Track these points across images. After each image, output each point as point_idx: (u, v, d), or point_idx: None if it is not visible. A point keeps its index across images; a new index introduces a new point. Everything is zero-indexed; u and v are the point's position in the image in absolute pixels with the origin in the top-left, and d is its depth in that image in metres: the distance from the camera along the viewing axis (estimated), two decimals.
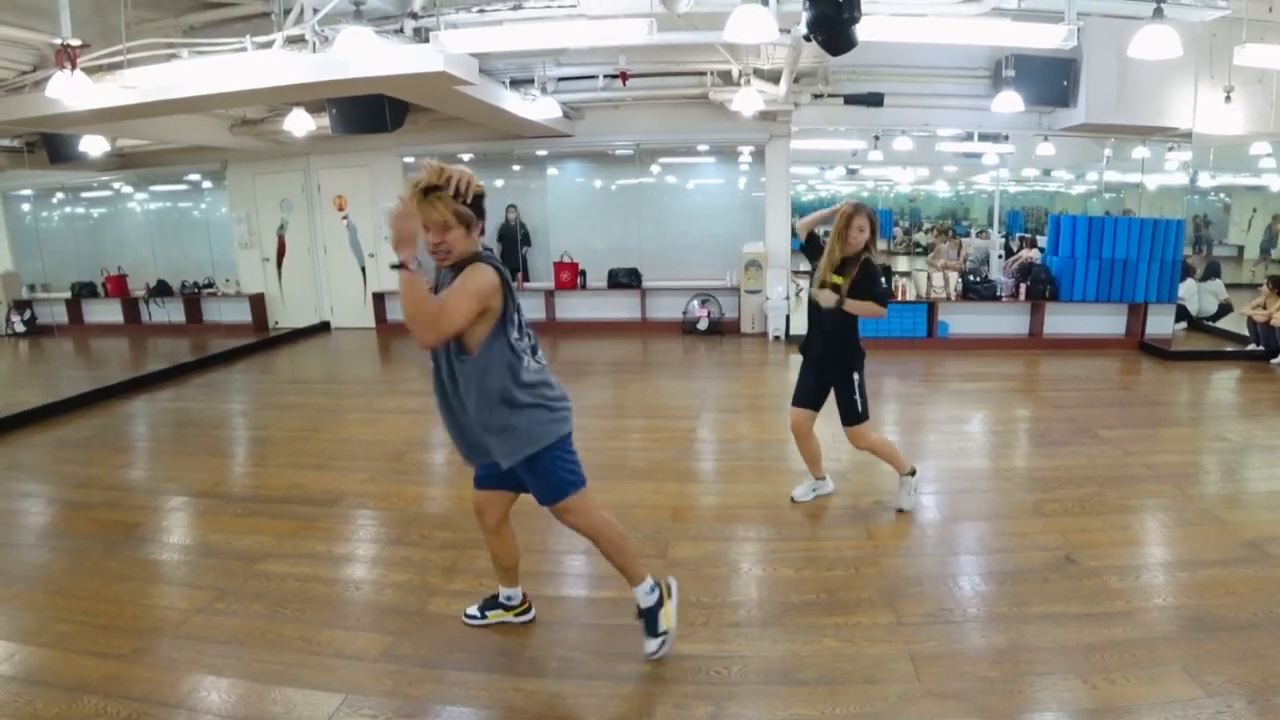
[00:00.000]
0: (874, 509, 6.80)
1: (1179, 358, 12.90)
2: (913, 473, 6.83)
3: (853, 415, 6.59)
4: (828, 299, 6.34)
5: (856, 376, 6.51)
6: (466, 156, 16.55)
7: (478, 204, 4.03)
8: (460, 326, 3.93)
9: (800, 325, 7.60)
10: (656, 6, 7.96)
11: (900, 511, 6.74)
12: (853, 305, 6.31)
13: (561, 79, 13.50)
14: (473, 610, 5.10)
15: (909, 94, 13.79)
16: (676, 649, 4.67)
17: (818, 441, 6.93)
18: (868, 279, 6.39)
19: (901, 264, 17.23)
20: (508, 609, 5.09)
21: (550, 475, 4.37)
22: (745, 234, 15.89)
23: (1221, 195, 16.60)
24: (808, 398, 6.77)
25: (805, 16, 6.97)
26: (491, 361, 4.11)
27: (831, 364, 6.61)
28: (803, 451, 6.96)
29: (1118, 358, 13.19)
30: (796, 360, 7.09)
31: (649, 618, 4.64)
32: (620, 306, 16.44)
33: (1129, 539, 6.27)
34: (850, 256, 6.40)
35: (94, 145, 13.80)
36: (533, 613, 5.14)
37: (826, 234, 6.53)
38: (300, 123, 12.25)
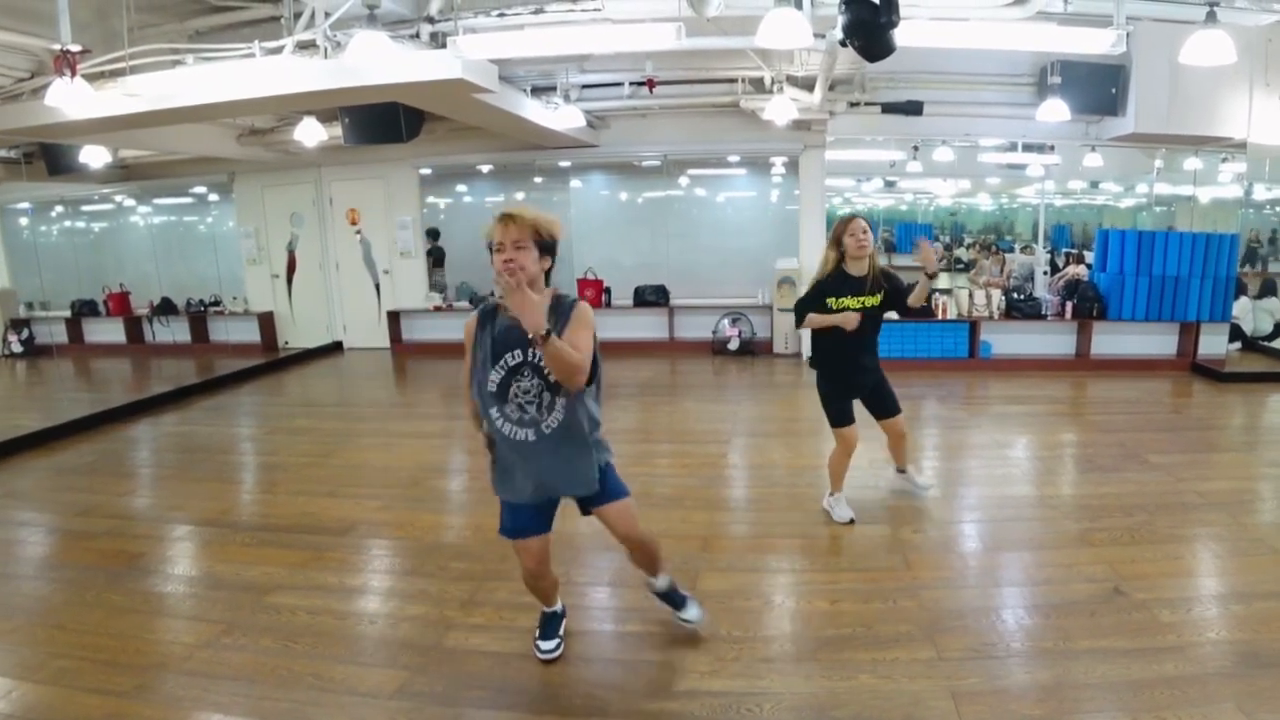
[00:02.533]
0: (913, 538, 6.77)
1: (1233, 379, 12.81)
2: (904, 470, 7.40)
3: (897, 403, 7.09)
4: (852, 321, 6.56)
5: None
6: (486, 168, 16.71)
7: (553, 245, 4.38)
8: (586, 364, 4.21)
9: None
10: (685, 10, 7.94)
11: (929, 488, 7.49)
12: (917, 297, 6.69)
13: (585, 86, 13.54)
14: (548, 645, 5.09)
15: (950, 102, 13.77)
16: (707, 685, 4.67)
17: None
18: (894, 288, 6.73)
19: (942, 281, 16.99)
20: (565, 614, 5.32)
21: (608, 478, 4.67)
22: (778, 249, 15.81)
23: (1278, 209, 16.46)
24: (852, 413, 7.00)
25: (841, 20, 6.95)
26: (596, 392, 4.58)
27: (874, 368, 6.99)
28: (845, 468, 7.16)
29: (1169, 379, 13.10)
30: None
31: (674, 596, 5.24)
32: (647, 326, 16.42)
33: (1180, 570, 6.22)
34: (861, 276, 6.62)
35: (95, 156, 13.82)
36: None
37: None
38: (311, 132, 12.30)
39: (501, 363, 4.34)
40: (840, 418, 6.98)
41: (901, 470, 7.58)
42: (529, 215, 4.26)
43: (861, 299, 6.65)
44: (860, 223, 6.60)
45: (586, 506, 4.71)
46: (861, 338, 6.74)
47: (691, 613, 5.20)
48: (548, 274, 4.43)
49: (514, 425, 4.40)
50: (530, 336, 3.99)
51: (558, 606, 5.25)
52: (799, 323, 6.94)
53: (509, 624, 5.40)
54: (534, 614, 5.28)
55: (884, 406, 7.09)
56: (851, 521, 7.04)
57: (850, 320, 6.54)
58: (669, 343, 16.26)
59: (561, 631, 5.20)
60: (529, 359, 4.31)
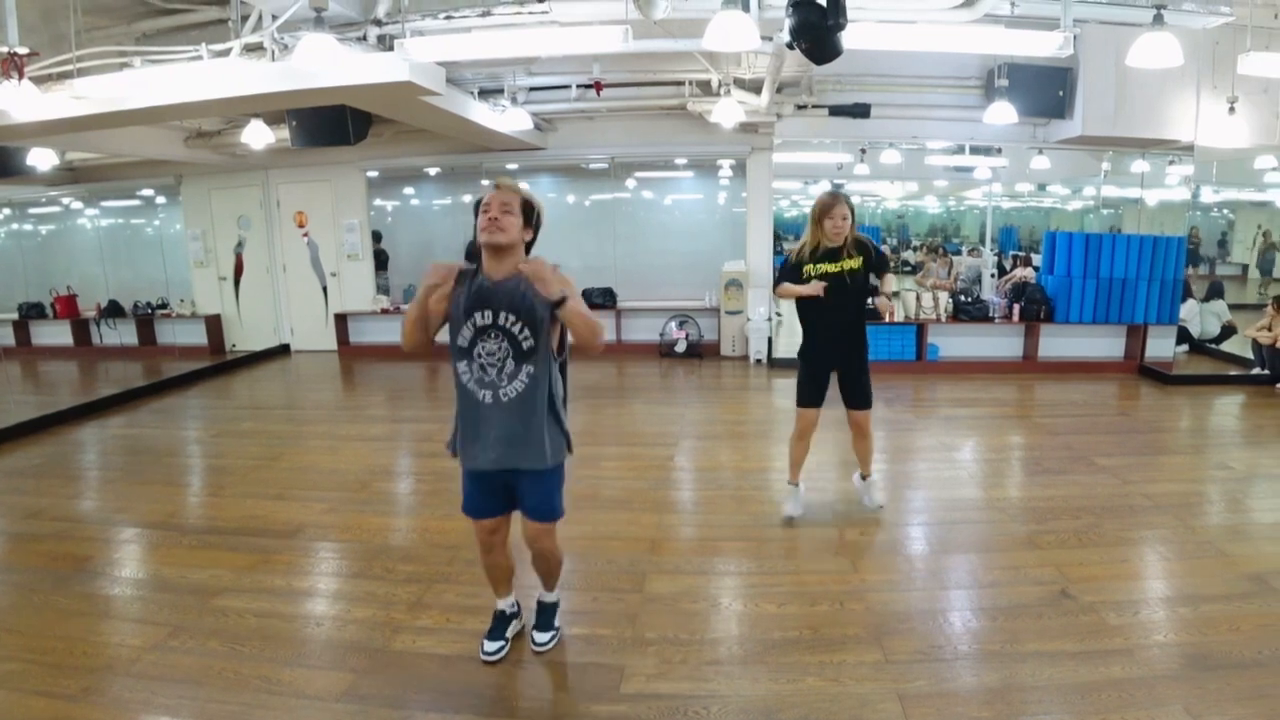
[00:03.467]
0: (860, 541, 6.81)
1: (1180, 382, 12.95)
2: (866, 477, 7.42)
3: (869, 398, 7.11)
4: (815, 289, 6.64)
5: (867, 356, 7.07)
6: (433, 171, 16.71)
7: (538, 220, 4.63)
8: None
9: (785, 349, 7.59)
10: (632, 12, 7.95)
11: (880, 508, 7.36)
12: (885, 291, 6.94)
13: (533, 89, 13.56)
14: (491, 646, 5.15)
15: (897, 105, 13.84)
16: (654, 688, 4.69)
17: None
18: (876, 255, 6.88)
19: (889, 284, 17.07)
20: (516, 616, 5.40)
21: (554, 492, 4.82)
22: (725, 252, 15.88)
23: (1225, 211, 16.61)
24: (820, 395, 7.08)
25: (788, 23, 6.98)
26: (565, 367, 4.84)
27: (855, 351, 7.03)
28: (800, 453, 7.25)
29: (1116, 382, 13.22)
30: (780, 385, 7.20)
31: (551, 613, 5.34)
32: None
33: (1128, 572, 6.28)
34: (839, 246, 6.66)
35: (42, 158, 13.74)
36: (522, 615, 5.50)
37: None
38: (258, 135, 12.25)
39: (471, 320, 4.49)
40: (803, 397, 7.08)
41: (864, 477, 7.53)
42: (521, 187, 4.54)
43: (840, 264, 6.71)
44: (842, 209, 6.63)
45: (524, 503, 4.82)
46: (844, 308, 6.82)
47: (544, 637, 5.24)
48: (528, 247, 4.61)
49: (475, 385, 4.56)
50: (550, 302, 4.30)
51: (508, 604, 5.30)
52: (774, 288, 7.08)
53: (456, 626, 5.41)
54: (482, 618, 5.34)
55: (855, 396, 7.09)
56: (790, 520, 7.13)
57: (816, 288, 6.62)
58: (616, 345, 16.21)
59: (509, 635, 5.24)
60: (498, 322, 4.46)
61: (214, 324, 17.83)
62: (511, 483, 4.76)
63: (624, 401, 12.78)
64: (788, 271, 6.89)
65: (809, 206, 6.86)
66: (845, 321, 6.89)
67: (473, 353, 4.52)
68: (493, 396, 4.53)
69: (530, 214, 4.51)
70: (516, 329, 4.46)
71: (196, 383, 14.53)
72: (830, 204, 6.63)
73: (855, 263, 6.70)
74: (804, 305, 6.93)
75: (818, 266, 6.72)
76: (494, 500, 4.83)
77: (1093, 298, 13.61)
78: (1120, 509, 7.41)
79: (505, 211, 4.39)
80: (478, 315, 4.49)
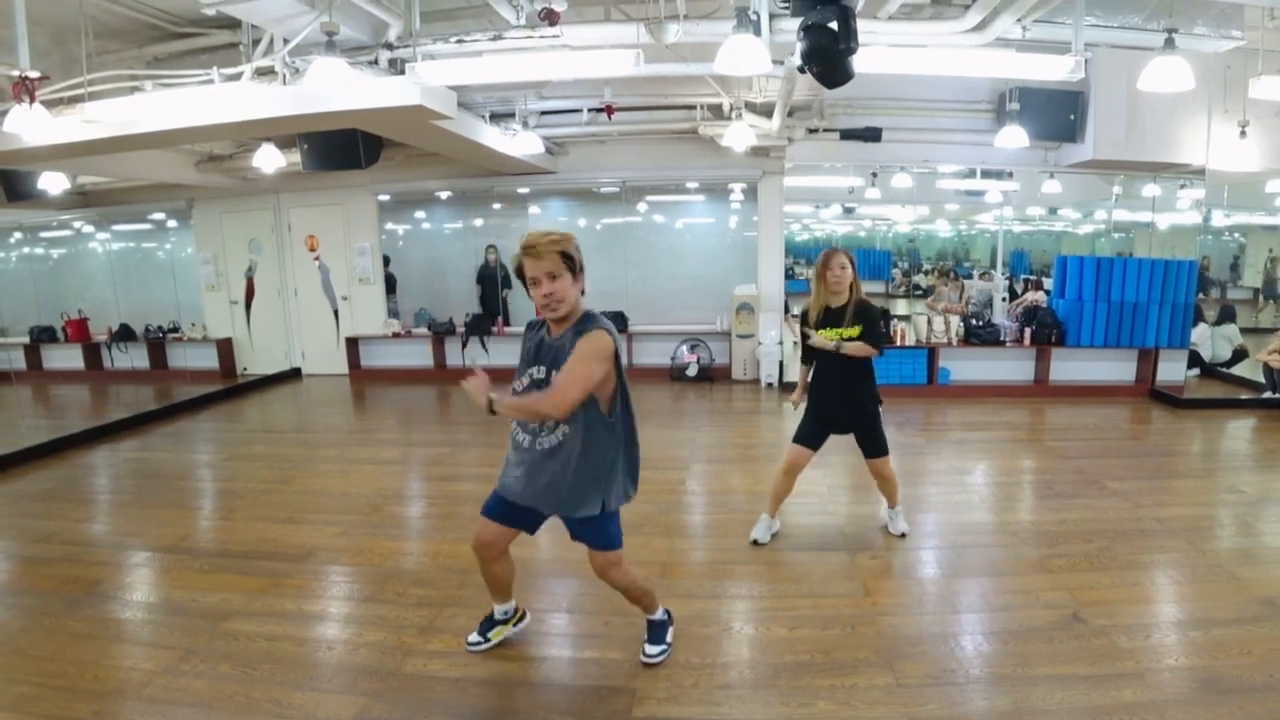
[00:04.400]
0: (871, 565, 6.79)
1: (1191, 406, 12.89)
2: (893, 508, 7.45)
3: (883, 447, 7.10)
4: (822, 343, 6.74)
5: (879, 415, 7.05)
6: (444, 194, 16.75)
7: (581, 261, 4.62)
8: (588, 390, 4.46)
9: (796, 373, 7.67)
10: (644, 37, 7.99)
11: (903, 535, 7.33)
12: (850, 348, 6.70)
13: (544, 113, 13.58)
14: (474, 636, 5.43)
15: (908, 128, 13.85)
16: (665, 711, 4.69)
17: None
18: (871, 326, 6.81)
19: (900, 307, 17.19)
20: (506, 622, 5.54)
21: (606, 526, 4.91)
22: (737, 276, 15.88)
23: (1236, 235, 16.60)
24: (816, 441, 7.11)
25: (799, 47, 6.97)
26: (618, 428, 4.81)
27: (857, 410, 7.03)
28: (783, 488, 7.26)
29: (1127, 406, 13.19)
30: (792, 409, 7.17)
31: (660, 630, 5.42)
32: None
33: (1139, 596, 6.25)
34: (840, 306, 6.76)
35: (54, 182, 13.81)
36: (528, 618, 5.69)
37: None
38: (269, 159, 12.27)
39: (528, 374, 4.72)
40: (799, 434, 7.13)
41: (891, 507, 7.53)
42: (554, 243, 4.43)
43: (839, 330, 6.79)
44: (840, 258, 6.78)
45: (576, 534, 4.97)
46: (841, 373, 6.90)
47: (654, 650, 5.31)
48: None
49: (519, 426, 4.78)
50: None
51: (500, 610, 5.48)
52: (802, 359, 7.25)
53: (468, 650, 5.41)
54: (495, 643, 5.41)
55: (869, 446, 7.13)
56: (755, 543, 7.20)
57: (821, 342, 6.75)
58: (628, 369, 15.86)
59: (491, 636, 5.45)
60: (548, 378, 4.58)
61: (225, 348, 17.83)
62: (549, 515, 4.98)
63: None
64: (801, 338, 7.11)
65: (820, 230, 6.96)
66: (841, 380, 6.98)
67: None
68: (530, 442, 4.72)
69: (573, 261, 4.52)
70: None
71: (208, 406, 14.55)
72: (829, 256, 6.81)
73: (854, 332, 6.78)
74: (812, 359, 7.13)
75: (820, 333, 6.85)
76: (509, 512, 4.96)
77: (1104, 321, 13.59)
78: (1132, 533, 7.39)
79: (554, 279, 4.43)
80: (534, 370, 4.69)
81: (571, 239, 4.51)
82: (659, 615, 5.43)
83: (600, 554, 4.96)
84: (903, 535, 7.36)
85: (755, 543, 7.19)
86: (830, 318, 6.85)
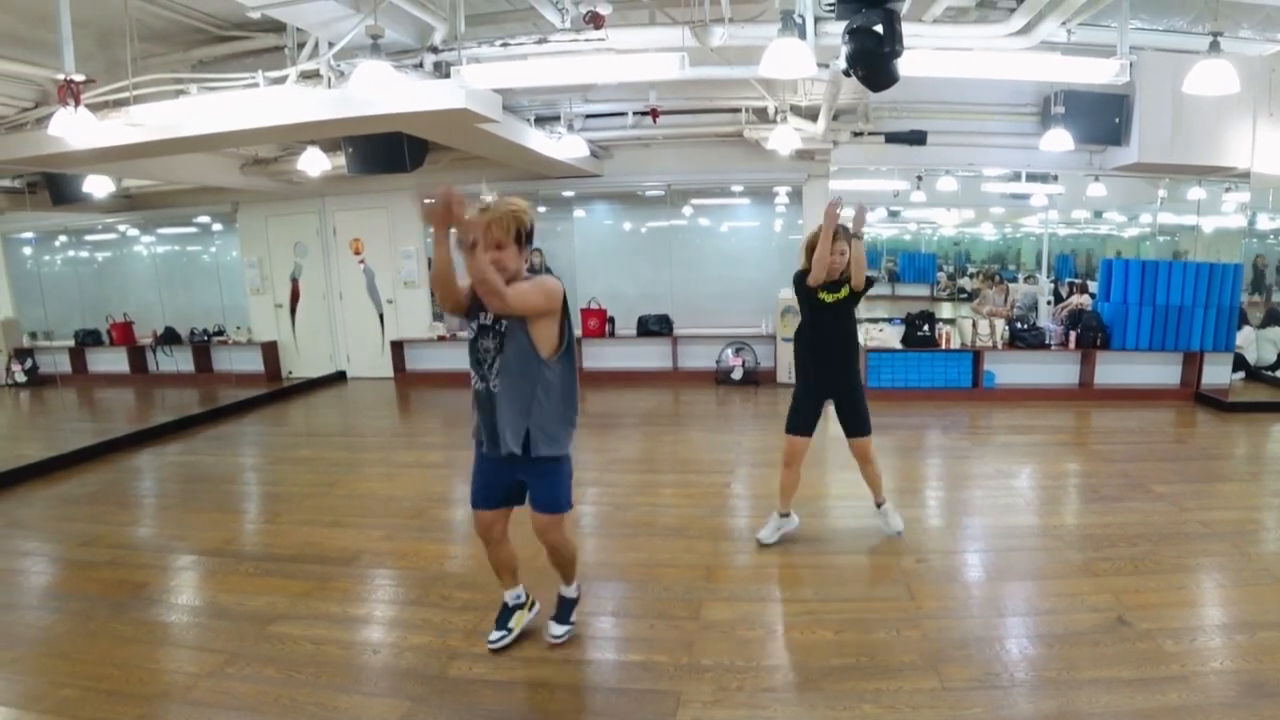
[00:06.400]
0: (916, 568, 6.76)
1: (1237, 409, 12.78)
2: (880, 504, 7.40)
3: (865, 425, 7.10)
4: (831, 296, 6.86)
5: (861, 382, 7.10)
6: (489, 197, 16.69)
7: (530, 234, 5.02)
8: (520, 308, 4.74)
9: None
10: (688, 40, 7.98)
11: (899, 534, 7.35)
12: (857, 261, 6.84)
13: (589, 116, 13.61)
14: (494, 635, 5.49)
15: (953, 132, 13.82)
16: (710, 715, 4.67)
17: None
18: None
19: (946, 310, 17.06)
20: (521, 607, 5.70)
21: (558, 485, 5.18)
22: (781, 279, 15.48)
23: None
24: (809, 424, 7.15)
25: (844, 50, 6.97)
26: (563, 375, 5.03)
27: (841, 371, 7.07)
28: (789, 481, 7.28)
29: (1172, 409, 13.10)
30: (833, 412, 7.15)
31: (568, 608, 5.69)
32: (650, 355, 16.46)
33: (1184, 600, 6.21)
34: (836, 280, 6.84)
35: (98, 186, 13.91)
36: (538, 606, 5.82)
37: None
38: (315, 162, 12.35)
39: (475, 320, 4.99)
40: (791, 424, 7.18)
41: (879, 504, 7.48)
42: (509, 215, 4.86)
43: (838, 294, 6.88)
44: (840, 245, 6.84)
45: (533, 495, 5.23)
46: (830, 338, 6.98)
47: (559, 630, 5.58)
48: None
49: (476, 376, 5.03)
50: (458, 242, 4.51)
51: (512, 595, 5.67)
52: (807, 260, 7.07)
53: (513, 654, 5.40)
54: (538, 643, 5.46)
55: (851, 423, 7.12)
56: (760, 543, 7.22)
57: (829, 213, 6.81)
58: (672, 372, 16.27)
59: (512, 625, 5.56)
60: (492, 324, 4.91)
61: (270, 351, 17.91)
62: (518, 477, 5.16)
63: (680, 429, 12.73)
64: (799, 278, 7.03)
65: (866, 235, 6.93)
66: (826, 337, 7.02)
67: (475, 346, 5.00)
68: (485, 387, 4.97)
69: (520, 236, 4.89)
70: (503, 328, 4.88)
71: (253, 410, 14.62)
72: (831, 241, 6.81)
73: (842, 294, 6.89)
74: (798, 329, 7.24)
75: (821, 294, 6.90)
76: (495, 493, 5.21)
77: (1149, 325, 13.49)
78: (1177, 536, 7.33)
79: (500, 248, 4.81)
80: (481, 315, 4.95)
81: (527, 213, 4.92)
82: (573, 592, 5.70)
83: (544, 516, 5.17)
84: (898, 534, 7.36)
85: (760, 543, 7.22)
86: (831, 284, 6.87)
